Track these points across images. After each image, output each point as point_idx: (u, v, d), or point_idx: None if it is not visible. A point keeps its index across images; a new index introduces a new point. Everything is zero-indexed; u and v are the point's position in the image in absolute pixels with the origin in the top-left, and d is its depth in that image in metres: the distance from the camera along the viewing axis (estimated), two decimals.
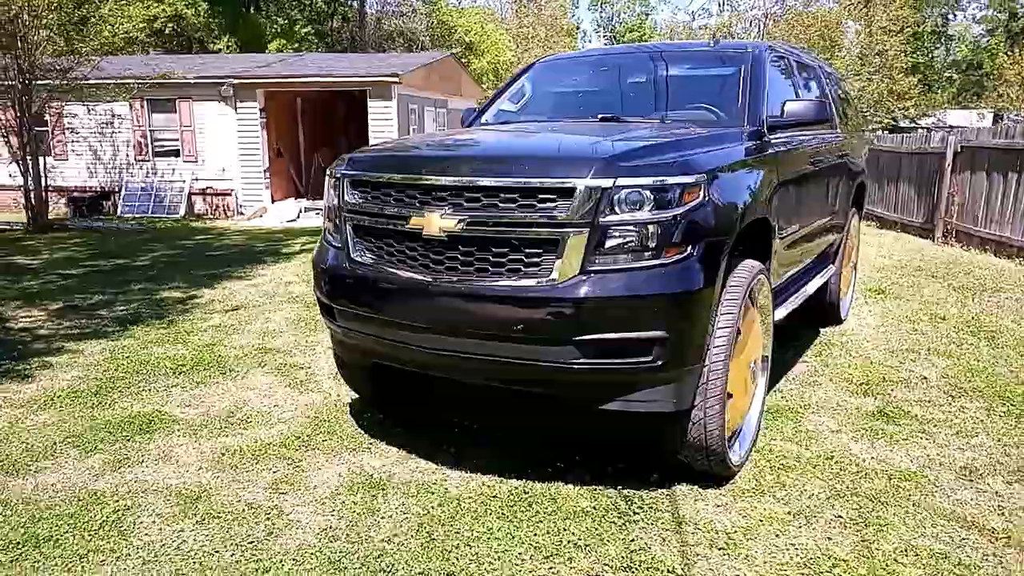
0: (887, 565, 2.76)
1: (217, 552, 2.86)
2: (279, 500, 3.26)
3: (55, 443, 3.84)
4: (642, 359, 2.90)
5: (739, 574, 2.72)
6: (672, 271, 2.88)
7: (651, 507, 3.17)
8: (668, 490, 3.31)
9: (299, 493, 3.32)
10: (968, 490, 3.32)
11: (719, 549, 2.87)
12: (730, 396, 3.24)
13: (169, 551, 2.87)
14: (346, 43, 32.87)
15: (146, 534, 2.99)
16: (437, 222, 3.03)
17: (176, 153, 16.66)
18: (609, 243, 2.86)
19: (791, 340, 5.50)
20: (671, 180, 2.89)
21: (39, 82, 13.32)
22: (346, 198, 3.39)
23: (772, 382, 4.63)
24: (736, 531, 2.98)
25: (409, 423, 4.08)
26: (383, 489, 3.34)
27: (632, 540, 2.92)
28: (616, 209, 2.85)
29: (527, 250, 2.93)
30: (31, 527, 3.03)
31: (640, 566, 2.75)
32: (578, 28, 58.18)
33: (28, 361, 5.23)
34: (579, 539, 2.92)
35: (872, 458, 3.63)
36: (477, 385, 3.64)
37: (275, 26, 29.01)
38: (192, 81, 15.88)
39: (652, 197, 2.86)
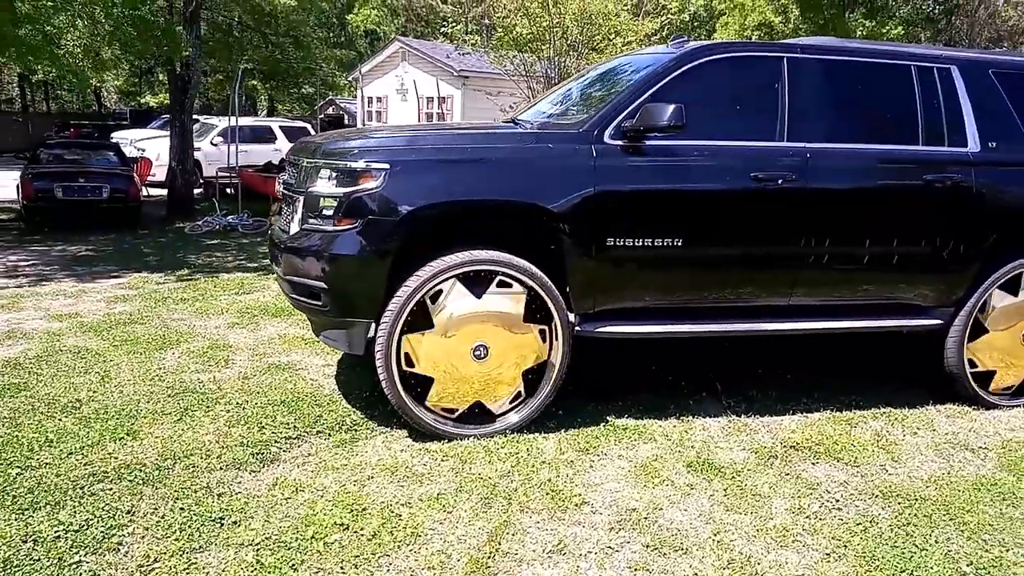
0: (386, 511, 3.09)
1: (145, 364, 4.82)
2: (211, 330, 5.34)
3: (184, 299, 6.51)
4: (316, 302, 3.74)
5: (305, 473, 3.46)
6: (337, 237, 3.62)
7: (364, 427, 3.94)
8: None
9: (238, 329, 5.38)
10: (573, 522, 3.07)
11: (337, 453, 3.65)
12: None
13: (155, 370, 4.95)
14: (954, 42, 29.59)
15: (151, 343, 5.14)
16: (278, 185, 4.34)
17: None
18: (312, 208, 3.75)
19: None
20: (348, 165, 3.62)
21: None
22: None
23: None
24: (368, 462, 3.57)
25: None
26: (273, 342, 5.15)
27: (310, 435, 3.83)
28: (316, 183, 3.73)
29: (291, 209, 4.02)
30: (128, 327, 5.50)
31: (271, 438, 3.77)
32: None
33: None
34: (274, 422, 3.94)
35: (573, 483, 3.46)
36: None
37: (863, 28, 28.10)
38: None
39: (334, 176, 3.66)
